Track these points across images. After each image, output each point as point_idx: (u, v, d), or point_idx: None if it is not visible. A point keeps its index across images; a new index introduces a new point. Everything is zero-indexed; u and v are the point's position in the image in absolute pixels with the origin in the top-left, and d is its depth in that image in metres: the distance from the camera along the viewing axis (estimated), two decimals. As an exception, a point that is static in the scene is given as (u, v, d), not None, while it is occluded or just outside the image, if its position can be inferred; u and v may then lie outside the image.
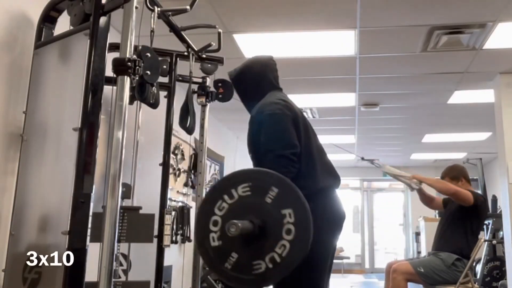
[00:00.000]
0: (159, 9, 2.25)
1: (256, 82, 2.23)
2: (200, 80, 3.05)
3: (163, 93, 2.81)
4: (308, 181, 1.98)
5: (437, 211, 7.16)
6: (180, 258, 4.71)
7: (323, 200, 2.01)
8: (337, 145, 4.97)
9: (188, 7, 2.37)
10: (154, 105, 2.35)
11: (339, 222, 2.08)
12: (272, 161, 1.92)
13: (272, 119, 2.02)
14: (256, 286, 1.70)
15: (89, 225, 1.80)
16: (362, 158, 4.36)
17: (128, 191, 2.81)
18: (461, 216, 3.58)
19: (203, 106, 3.10)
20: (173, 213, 4.38)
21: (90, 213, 1.80)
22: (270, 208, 1.60)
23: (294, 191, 1.62)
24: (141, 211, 2.74)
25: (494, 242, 5.58)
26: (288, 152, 1.95)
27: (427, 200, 3.90)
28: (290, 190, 1.62)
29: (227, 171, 6.70)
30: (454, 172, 3.78)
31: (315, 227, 1.93)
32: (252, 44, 3.86)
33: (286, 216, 1.58)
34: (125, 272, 2.86)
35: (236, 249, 1.61)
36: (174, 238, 4.39)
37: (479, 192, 5.48)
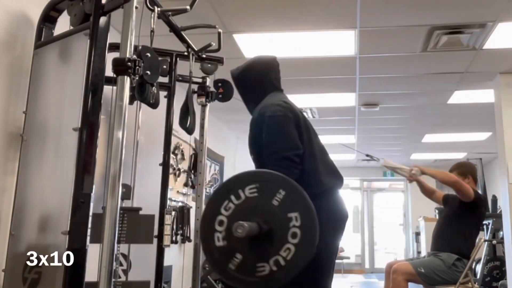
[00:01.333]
0: (159, 9, 2.25)
1: (257, 82, 2.23)
2: (200, 80, 3.05)
3: (163, 93, 2.81)
4: (312, 181, 1.98)
5: (437, 211, 7.16)
6: (180, 258, 4.71)
7: (326, 201, 2.01)
8: (345, 145, 5.04)
9: (188, 7, 2.37)
10: (154, 105, 2.35)
11: (342, 223, 2.08)
12: (276, 163, 1.92)
13: (274, 121, 2.02)
14: None
15: (89, 226, 1.80)
16: (367, 155, 4.42)
17: (128, 192, 2.81)
18: (460, 216, 3.57)
19: (203, 106, 3.10)
20: (173, 213, 4.38)
21: (90, 213, 1.80)
22: (277, 211, 1.60)
23: (301, 194, 1.62)
24: (141, 212, 2.74)
25: (494, 242, 5.58)
26: (292, 154, 1.95)
27: (428, 192, 3.92)
28: (297, 193, 1.62)
29: (227, 171, 6.70)
30: (463, 168, 3.75)
31: (319, 228, 1.94)
32: (252, 44, 3.86)
33: (292, 219, 1.58)
34: (125, 272, 2.86)
35: (240, 250, 1.61)
36: (174, 238, 4.39)
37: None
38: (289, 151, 1.96)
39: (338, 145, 7.22)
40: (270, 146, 1.99)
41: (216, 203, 1.69)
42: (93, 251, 1.83)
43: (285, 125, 2.01)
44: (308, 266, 1.90)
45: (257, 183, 1.65)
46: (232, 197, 1.65)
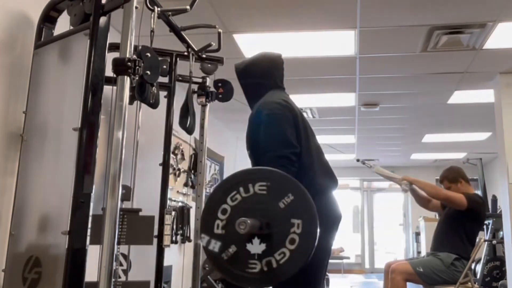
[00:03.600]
0: (159, 9, 2.25)
1: (260, 78, 2.22)
2: (200, 80, 3.05)
3: (163, 93, 2.81)
4: (306, 181, 1.98)
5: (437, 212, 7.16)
6: (180, 258, 4.71)
7: (320, 202, 2.00)
8: (331, 146, 5.03)
9: (188, 7, 2.37)
10: (154, 105, 2.35)
11: (336, 223, 2.08)
12: (272, 160, 1.91)
13: (272, 119, 2.02)
14: (245, 285, 1.69)
15: (89, 226, 1.80)
16: (357, 160, 4.39)
17: (127, 193, 2.81)
18: (458, 218, 3.55)
19: (203, 106, 3.10)
20: (173, 213, 4.38)
21: (90, 213, 1.80)
22: (281, 214, 1.59)
23: (308, 202, 1.61)
24: (141, 213, 2.74)
25: (494, 242, 5.58)
26: (288, 152, 1.95)
27: (423, 202, 3.83)
28: (305, 200, 1.61)
29: (227, 171, 6.70)
30: (452, 174, 3.73)
31: None
32: (252, 44, 3.86)
33: (294, 225, 1.57)
34: (125, 272, 2.86)
35: (236, 242, 1.61)
36: (174, 238, 4.39)
37: (478, 193, 5.47)
38: (285, 149, 1.95)
39: (337, 145, 7.23)
40: (267, 144, 1.99)
41: (224, 191, 1.68)
42: (93, 251, 1.83)
43: (282, 123, 2.01)
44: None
45: (268, 181, 1.65)
46: (241, 189, 1.65)
